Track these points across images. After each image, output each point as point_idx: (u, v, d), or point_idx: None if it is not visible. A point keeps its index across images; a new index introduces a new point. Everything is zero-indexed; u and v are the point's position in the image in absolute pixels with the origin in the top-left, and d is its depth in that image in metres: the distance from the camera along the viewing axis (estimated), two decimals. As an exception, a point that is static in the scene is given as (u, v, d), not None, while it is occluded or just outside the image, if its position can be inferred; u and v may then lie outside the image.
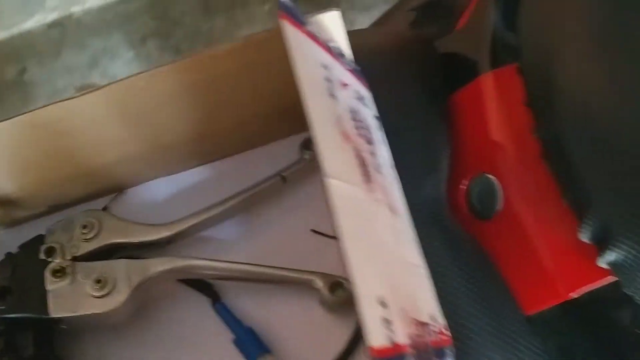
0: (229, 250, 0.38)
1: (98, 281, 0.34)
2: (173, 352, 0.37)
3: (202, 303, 0.37)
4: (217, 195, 0.38)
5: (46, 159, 0.37)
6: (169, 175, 0.41)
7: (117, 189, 0.41)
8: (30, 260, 0.35)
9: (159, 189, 0.41)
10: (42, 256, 0.35)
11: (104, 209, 0.40)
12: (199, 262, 0.36)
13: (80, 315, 0.33)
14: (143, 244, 0.37)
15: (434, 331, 0.26)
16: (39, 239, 0.37)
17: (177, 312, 0.38)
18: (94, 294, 0.33)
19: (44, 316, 0.33)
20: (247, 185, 0.38)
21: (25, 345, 0.33)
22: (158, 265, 0.35)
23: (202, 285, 0.37)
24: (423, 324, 0.25)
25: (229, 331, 0.36)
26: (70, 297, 0.34)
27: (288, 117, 0.34)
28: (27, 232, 0.37)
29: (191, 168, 0.42)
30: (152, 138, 0.38)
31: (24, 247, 0.36)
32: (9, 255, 0.36)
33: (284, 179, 0.38)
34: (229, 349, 0.36)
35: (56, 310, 0.33)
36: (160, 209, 0.40)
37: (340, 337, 0.35)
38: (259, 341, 0.35)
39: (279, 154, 0.40)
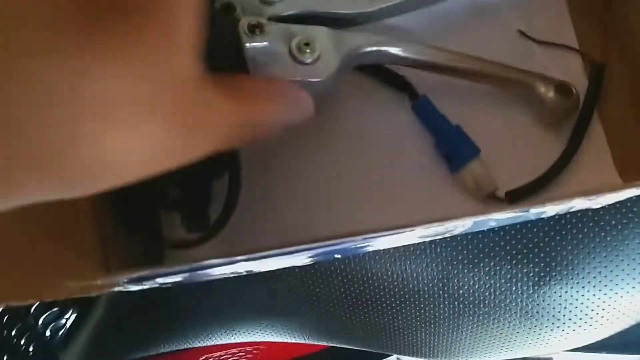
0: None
1: (306, 44, 0.28)
2: (359, 150, 0.32)
3: (393, 102, 0.32)
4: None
5: None
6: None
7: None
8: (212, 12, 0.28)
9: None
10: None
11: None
12: (407, 44, 0.30)
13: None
14: (336, 17, 0.30)
15: None
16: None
17: (365, 110, 0.32)
18: (302, 58, 0.27)
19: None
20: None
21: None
22: (362, 39, 0.29)
23: (399, 80, 0.32)
24: None
25: (422, 136, 0.32)
26: (272, 60, 0.27)
27: None
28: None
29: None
30: None
31: None
32: None
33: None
34: (424, 153, 0.32)
35: (257, 73, 0.27)
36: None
37: (547, 155, 0.31)
38: (469, 141, 0.31)
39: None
